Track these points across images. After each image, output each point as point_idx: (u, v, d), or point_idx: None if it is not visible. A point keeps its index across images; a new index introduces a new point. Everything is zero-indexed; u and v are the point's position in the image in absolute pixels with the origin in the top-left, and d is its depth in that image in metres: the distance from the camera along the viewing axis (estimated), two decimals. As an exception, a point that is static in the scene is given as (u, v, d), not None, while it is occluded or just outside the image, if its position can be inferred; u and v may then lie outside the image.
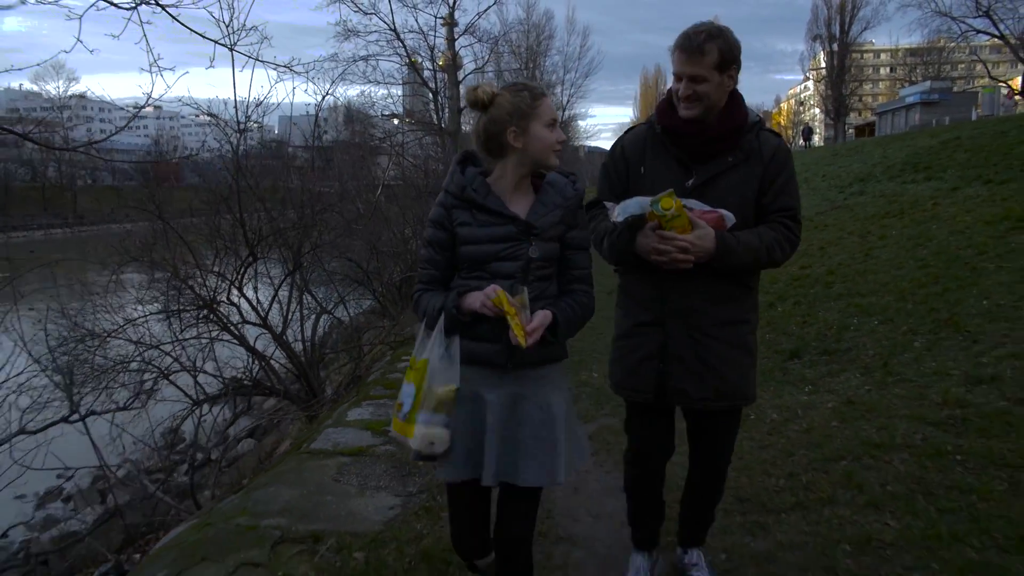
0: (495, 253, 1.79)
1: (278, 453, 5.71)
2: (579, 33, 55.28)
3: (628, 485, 2.40)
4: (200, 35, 4.50)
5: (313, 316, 7.50)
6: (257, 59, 5.08)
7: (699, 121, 1.97)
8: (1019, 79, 33.00)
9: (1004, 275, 5.34)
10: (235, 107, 5.61)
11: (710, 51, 1.88)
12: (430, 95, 19.70)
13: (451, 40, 19.44)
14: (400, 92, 22.20)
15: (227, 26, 4.46)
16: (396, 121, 21.22)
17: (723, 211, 1.91)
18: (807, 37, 51.28)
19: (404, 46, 15.91)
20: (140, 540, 4.89)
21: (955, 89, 37.70)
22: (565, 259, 1.89)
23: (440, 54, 19.12)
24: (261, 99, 5.71)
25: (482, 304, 1.72)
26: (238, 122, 5.58)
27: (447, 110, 19.03)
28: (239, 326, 6.47)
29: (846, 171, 14.94)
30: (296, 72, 5.23)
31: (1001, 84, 35.63)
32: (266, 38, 4.76)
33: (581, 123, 53.48)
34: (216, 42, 4.78)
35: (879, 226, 8.83)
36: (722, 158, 1.98)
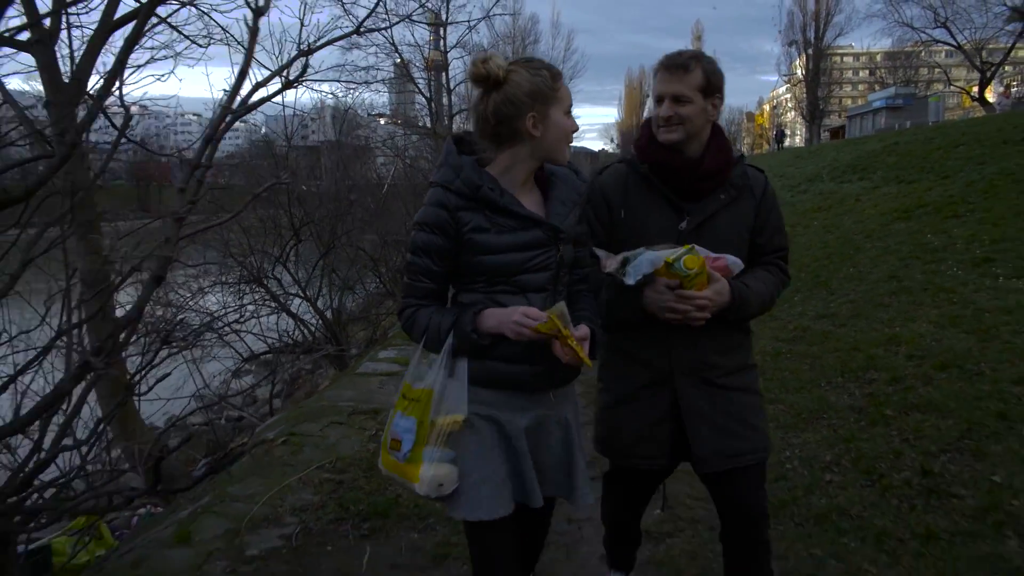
0: (522, 263, 1.56)
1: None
2: (564, 36, 56.77)
3: (606, 519, 2.27)
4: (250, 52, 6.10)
5: (338, 292, 9.11)
6: (303, 83, 6.68)
7: (682, 153, 1.82)
8: (975, 86, 35.05)
9: (874, 251, 7.08)
10: (284, 122, 7.18)
11: (695, 70, 1.76)
12: (422, 99, 21.15)
13: (437, 40, 20.72)
14: (387, 94, 23.53)
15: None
16: (383, 121, 22.58)
17: (729, 258, 1.77)
18: (783, 42, 53.23)
19: (401, 58, 17.46)
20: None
21: (918, 94, 39.77)
22: (573, 258, 1.71)
23: (428, 53, 20.28)
24: (311, 111, 7.24)
25: (516, 332, 1.51)
26: (287, 134, 7.17)
27: (439, 115, 20.51)
28: (282, 296, 8.08)
29: (800, 172, 16.69)
30: (313, 89, 6.80)
31: (957, 89, 37.85)
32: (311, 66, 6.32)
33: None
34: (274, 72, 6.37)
35: (807, 219, 10.56)
36: (715, 195, 1.83)
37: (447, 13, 16.56)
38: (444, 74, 20.84)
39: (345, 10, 6.34)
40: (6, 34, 4.54)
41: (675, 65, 1.78)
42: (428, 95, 20.24)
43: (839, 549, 2.54)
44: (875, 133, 29.18)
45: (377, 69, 12.17)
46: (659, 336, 1.83)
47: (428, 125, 20.55)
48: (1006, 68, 38.87)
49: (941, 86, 44.63)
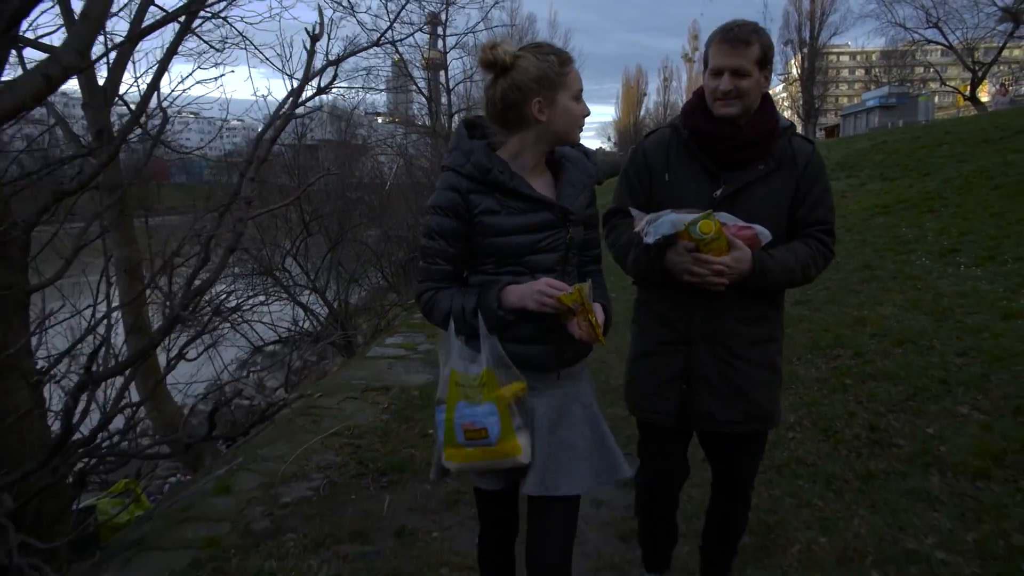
0: (531, 244, 1.59)
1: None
2: (561, 37, 57.06)
3: (640, 509, 2.27)
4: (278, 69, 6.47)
5: (345, 284, 9.52)
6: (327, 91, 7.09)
7: (732, 123, 1.81)
8: (968, 85, 35.50)
9: (852, 244, 7.50)
10: (296, 124, 7.58)
11: (754, 43, 1.75)
12: (421, 98, 21.46)
13: (434, 37, 21.01)
14: (385, 93, 23.75)
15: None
16: (381, 120, 22.87)
17: (758, 227, 1.76)
18: (779, 42, 53.68)
19: (401, 57, 17.83)
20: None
21: (912, 94, 40.22)
22: (583, 240, 1.74)
23: (427, 53, 20.60)
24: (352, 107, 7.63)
25: (539, 302, 1.54)
26: (299, 136, 7.57)
27: (437, 114, 20.84)
28: (292, 288, 8.48)
29: (791, 170, 17.12)
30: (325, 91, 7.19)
31: (950, 88, 38.31)
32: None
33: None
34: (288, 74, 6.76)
35: (794, 214, 10.98)
36: (753, 166, 1.83)
37: (447, 16, 16.91)
38: (444, 73, 21.17)
39: (360, 23, 6.70)
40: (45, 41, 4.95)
41: (737, 39, 1.75)
42: (427, 94, 20.59)
43: (795, 490, 2.96)
44: (868, 132, 29.63)
45: (378, 70, 12.51)
46: (682, 299, 1.86)
47: (427, 124, 20.90)
48: (1000, 67, 39.42)
49: (936, 85, 45.15)
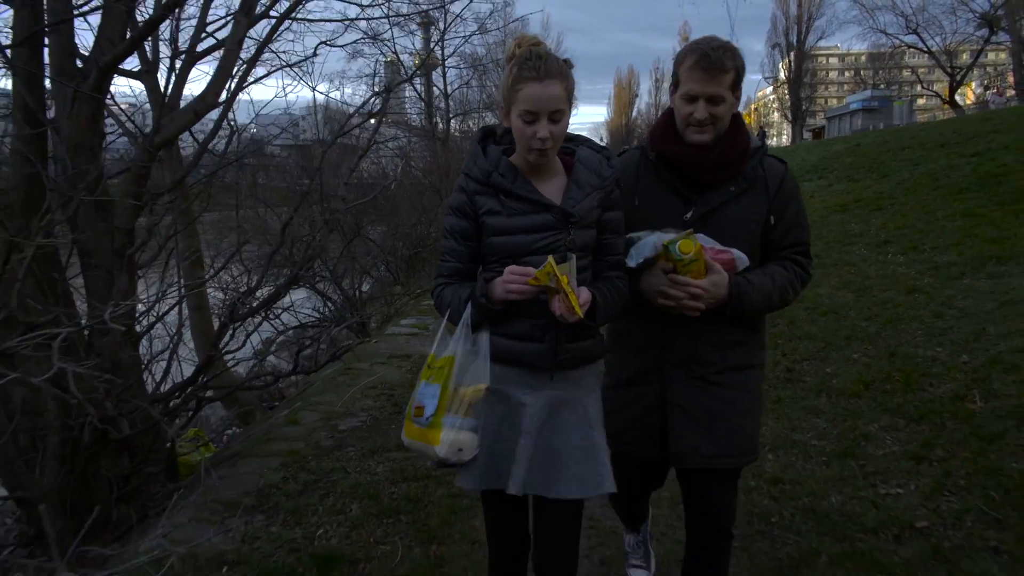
0: (529, 245, 1.59)
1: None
2: (553, 40, 57.92)
3: (613, 503, 2.35)
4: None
5: (358, 275, 10.51)
6: (345, 104, 8.06)
7: (692, 147, 1.77)
8: (947, 88, 36.79)
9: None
10: (317, 125, 8.55)
11: (730, 69, 1.70)
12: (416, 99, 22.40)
13: (427, 40, 21.84)
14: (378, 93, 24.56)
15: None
16: (372, 121, 23.77)
17: (736, 252, 1.73)
18: (767, 45, 54.84)
19: (402, 65, 18.81)
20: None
21: (894, 97, 41.54)
22: (600, 245, 1.70)
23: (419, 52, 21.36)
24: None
25: (508, 290, 1.53)
26: (320, 139, 8.54)
27: (430, 114, 21.75)
28: (312, 277, 9.44)
29: (770, 171, 18.22)
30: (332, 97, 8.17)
31: (931, 92, 39.70)
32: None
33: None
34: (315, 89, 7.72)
35: (766, 212, 12.04)
36: (724, 187, 1.78)
37: (445, 23, 17.89)
38: (443, 74, 22.07)
39: (373, 36, 7.67)
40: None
41: (714, 67, 1.68)
42: (427, 99, 21.58)
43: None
44: (852, 134, 30.80)
45: (376, 74, 13.48)
46: (655, 324, 1.81)
47: (422, 125, 21.82)
48: (987, 70, 40.80)
49: (920, 88, 46.51)
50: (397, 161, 17.24)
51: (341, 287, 9.54)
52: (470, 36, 17.64)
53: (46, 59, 4.36)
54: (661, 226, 1.73)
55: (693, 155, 1.77)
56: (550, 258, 1.48)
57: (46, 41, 4.29)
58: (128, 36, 4.62)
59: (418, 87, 22.01)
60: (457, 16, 15.23)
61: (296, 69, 6.94)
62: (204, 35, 6.45)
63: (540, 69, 1.52)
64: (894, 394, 3.65)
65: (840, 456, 3.17)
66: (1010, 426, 2.98)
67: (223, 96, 3.56)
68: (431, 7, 8.47)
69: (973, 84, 45.95)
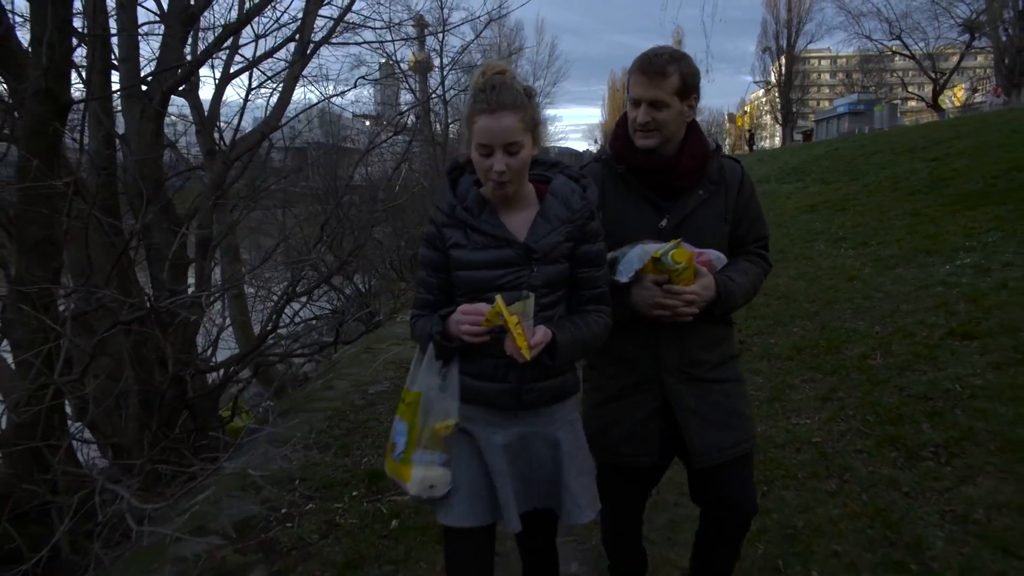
0: (493, 281, 1.57)
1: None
2: (547, 44, 58.62)
3: (605, 539, 2.24)
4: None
5: (366, 272, 11.39)
6: (356, 115, 8.92)
7: (661, 155, 1.81)
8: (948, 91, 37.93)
9: (776, 235, 9.44)
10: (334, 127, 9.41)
11: (672, 74, 1.73)
12: (411, 101, 23.19)
13: (422, 41, 22.56)
14: (373, 95, 25.21)
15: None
16: (368, 123, 24.55)
17: (712, 253, 1.80)
18: (757, 49, 55.84)
19: (403, 72, 19.67)
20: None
21: (882, 100, 42.62)
22: (576, 279, 1.65)
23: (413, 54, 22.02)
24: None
25: (460, 332, 1.51)
26: (329, 143, 9.39)
27: (426, 118, 22.54)
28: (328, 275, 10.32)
29: (755, 174, 19.08)
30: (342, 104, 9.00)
31: (914, 96, 40.92)
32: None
33: (550, 127, 57.53)
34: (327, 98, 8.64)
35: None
36: (692, 192, 1.83)
37: (443, 33, 18.75)
38: (442, 82, 22.87)
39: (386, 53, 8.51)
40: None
41: (652, 70, 1.74)
42: (427, 105, 22.40)
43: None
44: (839, 137, 31.77)
45: (370, 74, 14.30)
46: (646, 334, 1.84)
47: (418, 127, 22.62)
48: (975, 72, 41.87)
49: (908, 91, 47.60)
50: (401, 166, 18.09)
51: (353, 281, 10.40)
52: (467, 46, 18.44)
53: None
54: (638, 236, 1.78)
55: (659, 163, 1.82)
56: (498, 298, 1.47)
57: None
58: (183, 63, 5.51)
59: (414, 87, 22.78)
60: (455, 26, 15.97)
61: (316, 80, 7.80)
62: (238, 58, 7.33)
63: (492, 101, 1.50)
64: (818, 356, 4.56)
65: (769, 401, 4.07)
66: (894, 374, 3.89)
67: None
68: (432, 28, 9.24)
69: (963, 87, 47.09)
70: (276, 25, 7.09)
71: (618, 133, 1.89)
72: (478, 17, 15.78)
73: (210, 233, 4.51)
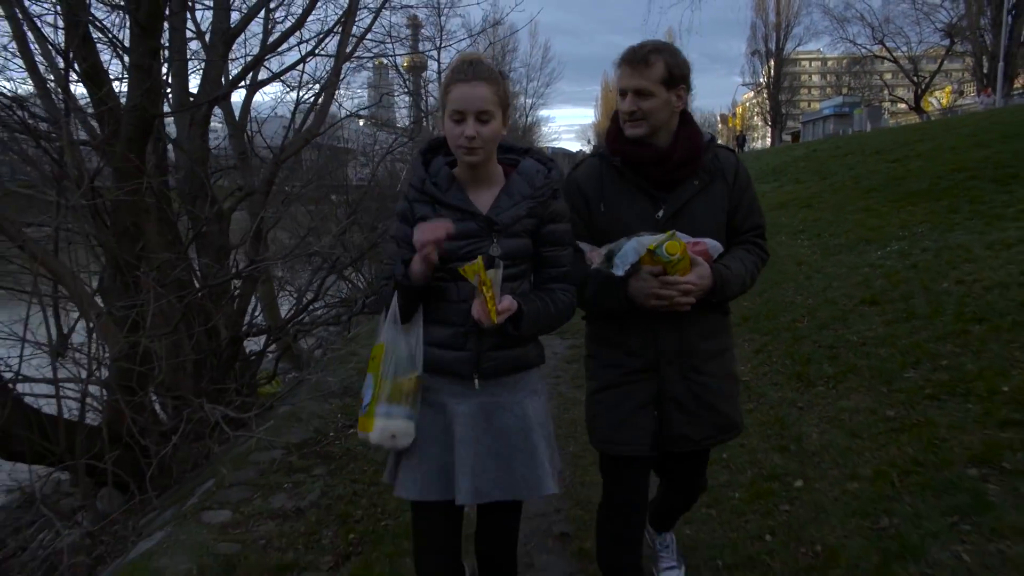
0: (455, 251, 1.61)
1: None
2: (541, 46, 59.20)
3: (604, 544, 2.14)
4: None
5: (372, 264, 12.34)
6: (357, 115, 9.94)
7: (651, 145, 1.86)
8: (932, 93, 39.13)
9: (748, 229, 10.46)
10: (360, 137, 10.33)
11: (655, 63, 1.78)
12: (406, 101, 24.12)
13: (415, 41, 23.39)
14: (366, 94, 26.11)
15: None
16: (361, 122, 25.36)
17: (708, 241, 1.81)
18: (747, 52, 56.92)
19: (405, 80, 20.60)
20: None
21: (865, 101, 43.81)
22: (541, 257, 1.73)
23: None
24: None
25: (419, 244, 1.54)
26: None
27: (418, 118, 23.41)
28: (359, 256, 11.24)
29: (737, 174, 20.16)
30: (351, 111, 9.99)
31: (896, 99, 42.19)
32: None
33: (543, 128, 58.38)
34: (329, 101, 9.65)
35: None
36: (688, 183, 1.87)
37: (441, 39, 19.68)
38: (439, 85, 23.74)
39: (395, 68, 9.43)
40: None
41: (635, 59, 1.79)
42: (425, 109, 23.27)
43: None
44: (825, 138, 32.76)
45: (390, 91, 15.23)
46: (645, 324, 1.87)
47: (412, 127, 23.43)
48: (955, 74, 43.08)
49: (897, 93, 48.80)
50: (400, 164, 19.03)
51: (362, 273, 11.34)
52: (464, 48, 19.35)
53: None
54: (635, 228, 1.78)
55: (653, 154, 1.85)
56: (480, 257, 1.53)
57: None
58: (226, 78, 6.46)
59: (408, 86, 23.63)
60: (458, 41, 16.92)
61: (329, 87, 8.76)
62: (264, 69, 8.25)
63: (468, 72, 1.59)
64: (759, 322, 5.55)
65: (715, 356, 5.06)
66: (814, 332, 4.88)
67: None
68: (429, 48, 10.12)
69: (950, 88, 48.34)
70: (298, 41, 8.07)
71: (612, 127, 1.96)
72: (478, 34, 16.66)
73: (261, 222, 5.45)
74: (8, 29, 4.65)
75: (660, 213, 1.86)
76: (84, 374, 4.19)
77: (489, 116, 1.59)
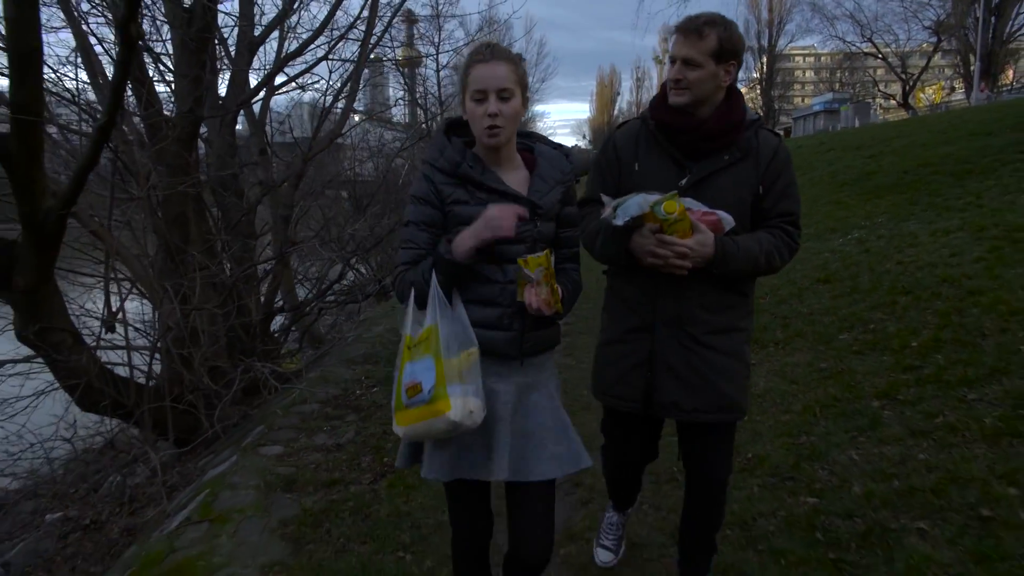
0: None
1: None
2: (536, 42, 59.56)
3: (607, 474, 2.39)
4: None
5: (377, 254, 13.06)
6: (361, 112, 10.60)
7: (692, 115, 1.88)
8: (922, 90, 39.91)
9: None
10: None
11: (708, 36, 1.78)
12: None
13: (410, 37, 23.80)
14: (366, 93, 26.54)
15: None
16: (357, 118, 25.78)
17: (722, 213, 1.80)
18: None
19: (406, 81, 21.19)
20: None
21: (859, 99, 44.59)
22: (559, 238, 1.79)
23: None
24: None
25: (490, 227, 1.56)
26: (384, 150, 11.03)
27: (415, 114, 23.85)
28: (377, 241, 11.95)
29: (725, 169, 20.89)
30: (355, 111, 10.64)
31: (886, 95, 43.01)
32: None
33: (539, 123, 58.86)
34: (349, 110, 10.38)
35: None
36: (718, 156, 1.87)
37: (439, 39, 20.27)
38: (438, 84, 24.27)
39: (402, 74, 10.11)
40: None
41: (689, 29, 1.81)
42: (425, 109, 23.86)
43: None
44: (815, 133, 33.42)
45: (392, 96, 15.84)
46: (647, 283, 1.91)
47: (409, 123, 23.89)
48: (945, 71, 43.80)
49: (878, 90, 49.58)
50: (401, 159, 19.69)
51: (368, 262, 12.07)
52: (460, 48, 19.90)
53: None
54: (658, 190, 1.78)
55: (687, 122, 1.87)
56: (547, 250, 1.59)
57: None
58: (251, 84, 7.17)
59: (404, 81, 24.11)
60: (457, 46, 17.49)
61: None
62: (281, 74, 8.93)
63: (487, 53, 1.62)
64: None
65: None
66: (772, 306, 5.63)
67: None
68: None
69: (941, 84, 49.13)
70: (313, 47, 8.76)
71: (659, 93, 1.98)
72: (477, 34, 17.28)
73: (291, 211, 6.16)
74: (73, 43, 5.34)
75: (684, 180, 1.89)
76: (143, 343, 4.92)
77: (510, 94, 1.62)
